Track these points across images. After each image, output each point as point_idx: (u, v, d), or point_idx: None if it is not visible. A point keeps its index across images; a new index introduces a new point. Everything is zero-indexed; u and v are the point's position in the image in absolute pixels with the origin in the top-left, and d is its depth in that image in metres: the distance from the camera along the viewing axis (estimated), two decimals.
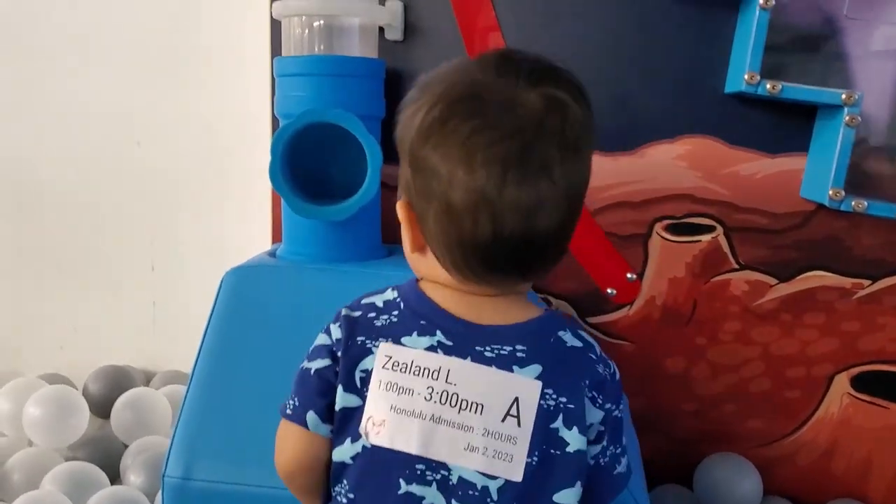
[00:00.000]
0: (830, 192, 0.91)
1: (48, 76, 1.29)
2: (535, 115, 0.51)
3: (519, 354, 0.53)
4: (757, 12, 0.89)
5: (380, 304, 0.57)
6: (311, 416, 0.56)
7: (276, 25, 1.02)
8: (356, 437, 0.54)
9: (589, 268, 1.05)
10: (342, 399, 0.55)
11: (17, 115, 1.31)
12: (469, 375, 0.53)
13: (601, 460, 0.56)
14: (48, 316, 1.37)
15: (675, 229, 1.03)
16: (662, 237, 1.03)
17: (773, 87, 0.90)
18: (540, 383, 0.53)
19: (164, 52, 1.23)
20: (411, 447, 0.53)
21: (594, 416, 0.54)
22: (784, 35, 0.94)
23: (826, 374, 1.06)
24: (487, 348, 0.54)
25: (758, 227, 1.02)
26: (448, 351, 0.54)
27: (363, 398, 0.54)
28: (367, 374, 0.54)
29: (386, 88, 1.00)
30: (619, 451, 0.57)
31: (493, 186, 0.50)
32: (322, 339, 0.58)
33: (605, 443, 0.56)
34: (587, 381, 0.54)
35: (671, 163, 1.02)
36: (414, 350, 0.54)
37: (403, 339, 0.54)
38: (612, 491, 0.58)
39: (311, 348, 0.59)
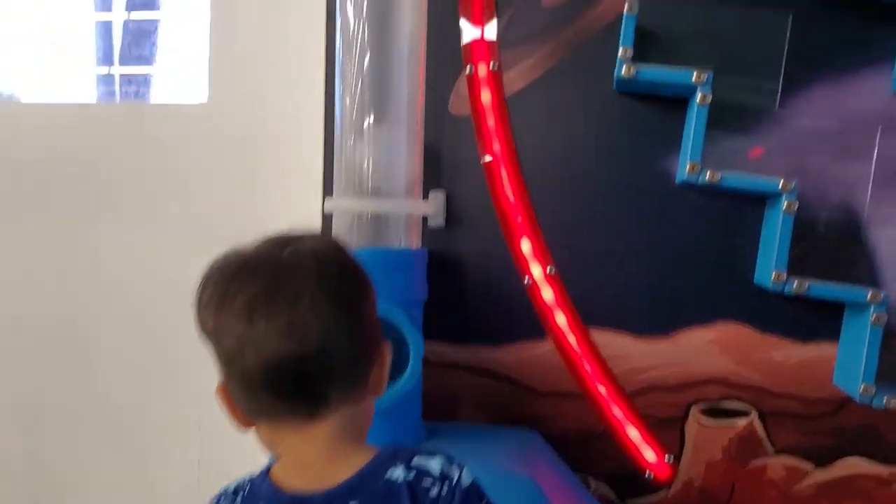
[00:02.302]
0: (861, 389, 0.93)
1: (107, 239, 1.38)
2: (279, 262, 0.59)
3: None
4: (781, 216, 0.93)
5: (231, 489, 0.63)
6: None
7: (327, 217, 1.09)
8: None
9: (627, 448, 1.07)
10: None
11: (75, 274, 1.40)
12: None
13: None
14: (94, 470, 1.41)
15: (711, 413, 1.05)
16: (699, 421, 1.05)
17: (800, 286, 0.93)
18: None
19: (220, 227, 1.32)
20: None
21: None
22: (810, 230, 0.99)
23: None
24: None
25: (792, 412, 1.03)
26: None
27: None
28: None
29: (429, 271, 1.07)
30: None
31: (246, 323, 0.57)
32: None
33: None
34: None
35: (705, 347, 1.05)
36: None
37: None
38: None
39: None
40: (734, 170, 0.98)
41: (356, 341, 0.61)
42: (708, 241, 1.04)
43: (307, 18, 1.20)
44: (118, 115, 1.41)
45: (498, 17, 1.09)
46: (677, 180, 1.03)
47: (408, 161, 1.05)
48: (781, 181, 0.94)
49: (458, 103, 1.11)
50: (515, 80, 1.09)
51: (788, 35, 0.99)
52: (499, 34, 1.09)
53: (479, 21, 1.09)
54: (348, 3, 1.03)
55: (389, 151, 1.04)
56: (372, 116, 1.03)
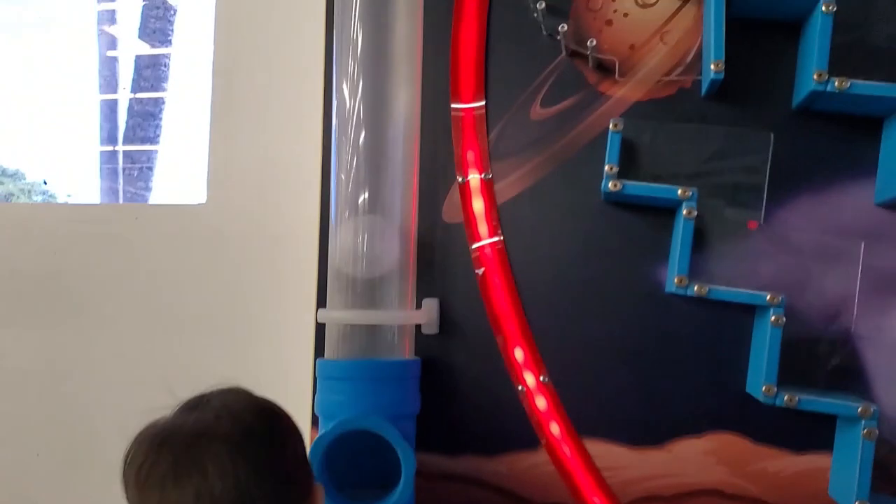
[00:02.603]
0: None
1: (105, 337, 1.39)
2: (186, 433, 0.62)
3: None
4: (769, 330, 0.94)
5: None
6: None
7: (320, 326, 1.10)
8: None
9: None
10: None
11: (68, 374, 1.40)
12: None
13: None
14: None
15: None
16: None
17: (791, 400, 0.94)
18: None
19: (215, 329, 1.33)
20: None
21: None
22: (799, 342, 1.00)
23: None
24: None
25: None
26: None
27: None
28: None
29: (421, 380, 1.07)
30: None
31: (160, 497, 0.60)
32: None
33: None
34: None
35: (699, 458, 1.04)
36: None
37: None
38: None
39: None
40: (722, 282, 1.00)
41: (276, 494, 0.62)
42: (699, 350, 1.04)
43: (305, 127, 1.24)
44: (116, 215, 1.43)
45: (489, 130, 1.12)
46: (666, 290, 1.04)
47: (401, 269, 1.07)
48: (769, 295, 0.95)
49: (451, 211, 1.13)
50: (506, 189, 1.11)
51: (771, 150, 1.02)
52: (490, 146, 1.12)
53: (472, 133, 1.12)
54: (343, 135, 1.06)
55: (383, 260, 1.05)
56: (365, 234, 1.05)
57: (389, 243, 1.06)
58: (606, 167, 1.02)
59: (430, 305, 1.11)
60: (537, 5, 1.07)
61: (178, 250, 1.37)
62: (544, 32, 1.10)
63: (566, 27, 1.05)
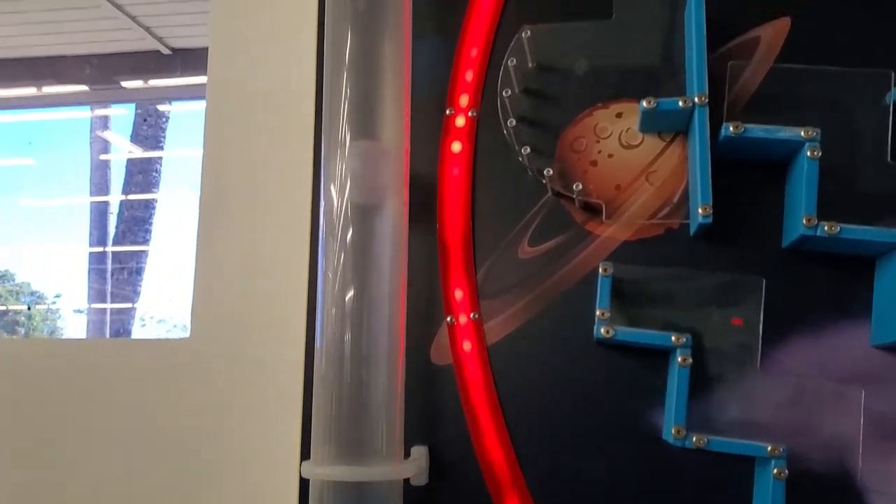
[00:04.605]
0: None
1: (83, 475, 1.33)
2: None
3: None
4: (771, 483, 0.91)
5: None
6: None
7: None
8: None
9: None
10: None
11: None
12: None
13: None
14: None
15: None
16: None
17: None
18: None
19: (194, 467, 1.28)
20: None
21: None
22: (802, 494, 0.96)
23: None
24: None
25: None
26: None
27: None
28: None
29: None
30: None
31: None
32: None
33: None
34: None
35: None
36: None
37: None
38: None
39: None
40: (720, 432, 0.97)
41: None
42: (699, 498, 1.00)
43: (292, 268, 1.22)
44: (100, 350, 1.40)
45: (477, 268, 1.11)
46: (663, 437, 1.00)
47: (388, 415, 1.03)
48: (769, 447, 0.92)
49: (439, 352, 1.10)
50: (495, 329, 1.09)
51: (764, 294, 1.00)
52: (478, 285, 1.10)
53: (460, 272, 1.11)
54: (330, 271, 1.05)
55: (370, 407, 1.02)
56: (350, 372, 1.02)
57: (376, 387, 1.03)
58: (598, 312, 1.00)
59: (420, 454, 1.07)
60: (522, 150, 1.07)
61: (160, 388, 1.33)
62: (530, 173, 1.09)
63: (551, 171, 1.05)
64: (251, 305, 1.28)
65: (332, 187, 1.07)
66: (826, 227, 0.93)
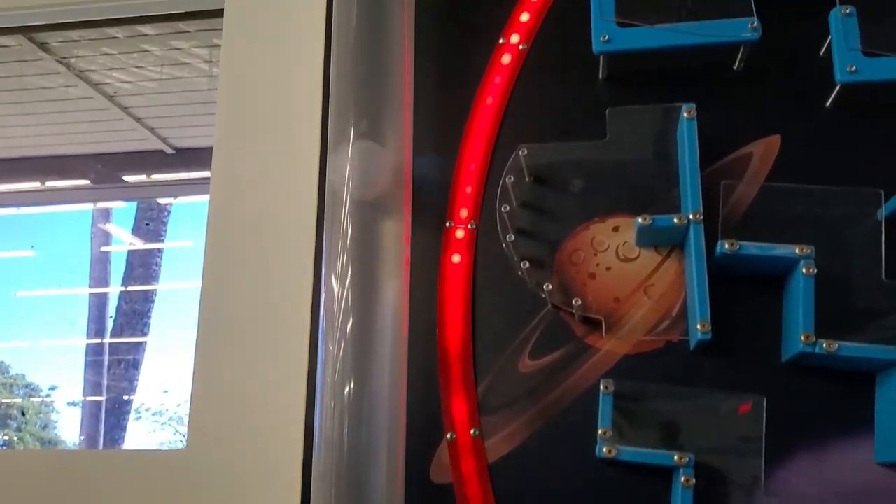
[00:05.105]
0: None
1: None
2: None
3: None
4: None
5: None
6: None
7: None
8: None
9: None
10: None
11: None
12: None
13: None
14: None
15: None
16: None
17: None
18: None
19: None
20: None
21: None
22: None
23: None
24: None
25: None
26: None
27: None
28: None
29: None
30: None
31: None
32: None
33: None
34: None
35: None
36: None
37: None
38: None
39: None
40: None
41: None
42: None
43: (291, 380, 1.22)
44: (96, 461, 1.38)
45: (477, 383, 1.10)
46: None
47: None
48: None
49: (439, 470, 1.09)
50: (496, 447, 1.08)
51: (765, 413, 1.00)
52: (479, 400, 1.10)
53: (460, 387, 1.11)
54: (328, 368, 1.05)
55: None
56: (347, 495, 1.00)
57: None
58: (600, 431, 0.99)
59: None
60: (522, 264, 1.09)
61: (156, 500, 1.30)
62: (529, 286, 1.10)
63: (550, 286, 1.06)
64: (249, 418, 1.27)
65: (332, 279, 1.08)
66: (825, 345, 0.94)
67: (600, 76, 1.15)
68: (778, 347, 1.03)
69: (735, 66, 1.11)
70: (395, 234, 1.14)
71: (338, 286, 1.08)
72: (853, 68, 1.02)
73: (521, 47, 1.20)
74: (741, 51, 1.08)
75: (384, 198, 1.14)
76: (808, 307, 0.95)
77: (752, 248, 0.99)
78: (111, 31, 2.04)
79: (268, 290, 1.30)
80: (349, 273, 1.08)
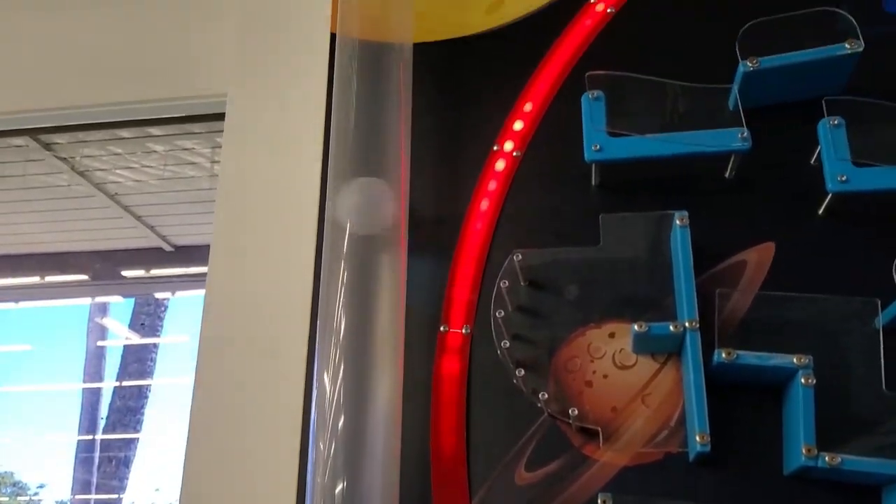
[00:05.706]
0: None
1: None
2: None
3: None
4: None
5: None
6: None
7: None
8: None
9: None
10: None
11: None
12: None
13: None
14: None
15: None
16: None
17: None
18: None
19: None
20: None
21: None
22: None
23: None
24: None
25: None
26: None
27: None
28: None
29: None
30: None
31: None
32: None
33: None
34: None
35: None
36: None
37: None
38: None
39: None
40: None
41: None
42: None
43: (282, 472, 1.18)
44: None
45: (472, 495, 1.07)
46: None
47: None
48: None
49: None
50: None
51: None
52: None
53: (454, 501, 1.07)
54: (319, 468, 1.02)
55: None
56: None
57: None
58: None
59: None
60: (517, 372, 1.07)
61: None
62: (525, 394, 1.08)
63: (546, 395, 1.05)
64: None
65: (324, 375, 1.06)
66: (827, 458, 0.92)
67: (593, 183, 1.16)
68: (779, 458, 1.00)
69: (727, 175, 1.12)
70: (391, 335, 1.13)
71: (329, 382, 1.06)
72: (844, 178, 1.03)
73: (515, 154, 1.22)
74: (732, 159, 1.10)
75: (380, 299, 1.13)
76: (808, 418, 0.93)
77: (749, 357, 0.98)
78: (119, 131, 2.09)
79: (259, 385, 1.28)
80: (341, 369, 1.07)
